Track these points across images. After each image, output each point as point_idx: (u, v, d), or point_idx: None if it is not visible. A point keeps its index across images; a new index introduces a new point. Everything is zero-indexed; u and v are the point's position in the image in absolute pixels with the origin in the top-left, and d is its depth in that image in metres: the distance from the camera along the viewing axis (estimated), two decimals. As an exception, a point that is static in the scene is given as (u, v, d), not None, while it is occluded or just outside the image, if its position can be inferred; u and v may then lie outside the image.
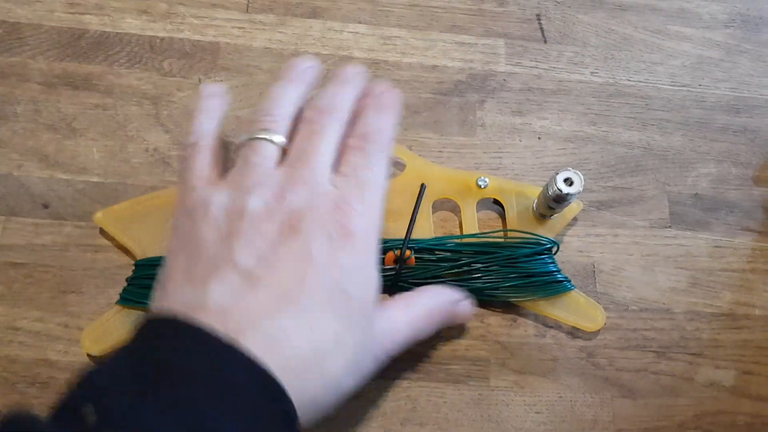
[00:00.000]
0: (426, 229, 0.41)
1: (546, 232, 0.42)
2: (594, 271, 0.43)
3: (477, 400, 0.39)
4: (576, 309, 0.40)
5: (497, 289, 0.40)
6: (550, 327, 0.41)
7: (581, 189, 0.39)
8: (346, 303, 0.29)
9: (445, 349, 0.40)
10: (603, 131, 0.47)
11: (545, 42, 0.50)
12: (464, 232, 0.42)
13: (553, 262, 0.41)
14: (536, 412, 0.39)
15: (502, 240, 0.41)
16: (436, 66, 0.48)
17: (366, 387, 0.38)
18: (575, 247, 0.43)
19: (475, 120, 0.46)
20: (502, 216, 0.43)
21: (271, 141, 0.33)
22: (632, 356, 0.41)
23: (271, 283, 0.28)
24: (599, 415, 0.40)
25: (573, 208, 0.43)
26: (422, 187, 0.41)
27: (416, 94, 0.46)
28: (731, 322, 0.43)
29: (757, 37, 0.52)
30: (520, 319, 0.41)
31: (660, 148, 0.47)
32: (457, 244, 0.41)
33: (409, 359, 0.39)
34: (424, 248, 0.40)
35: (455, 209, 0.43)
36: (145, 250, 0.39)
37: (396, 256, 0.39)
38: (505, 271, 0.40)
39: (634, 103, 0.48)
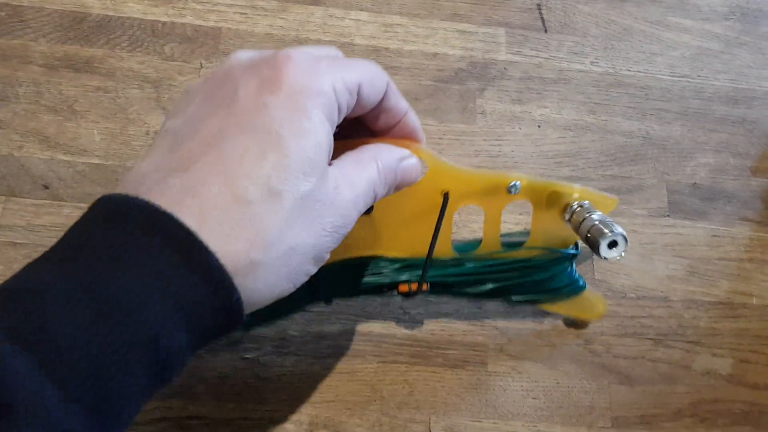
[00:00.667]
0: (445, 246, 0.37)
1: (572, 234, 0.38)
2: (593, 259, 0.43)
3: (474, 385, 0.39)
4: (580, 301, 0.40)
5: (510, 292, 0.39)
6: (548, 313, 0.41)
7: (624, 254, 0.35)
8: (277, 147, 0.25)
9: (442, 334, 0.40)
10: (602, 120, 0.47)
11: (546, 31, 0.50)
12: (486, 241, 0.38)
13: (573, 270, 0.40)
14: (533, 398, 0.39)
15: (523, 255, 0.39)
16: (437, 54, 0.48)
17: (362, 369, 0.38)
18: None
19: (475, 108, 0.46)
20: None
21: None
22: (630, 343, 0.41)
23: (192, 138, 0.26)
24: (596, 401, 0.40)
25: (608, 205, 0.38)
26: (445, 197, 0.35)
27: (417, 82, 0.47)
28: (729, 310, 0.43)
29: (756, 30, 0.52)
30: (518, 305, 0.41)
31: (659, 138, 0.47)
32: (476, 267, 0.38)
33: (407, 343, 0.39)
34: (440, 282, 0.38)
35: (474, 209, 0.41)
36: None
37: (410, 290, 0.37)
38: (522, 273, 0.39)
39: (634, 93, 0.48)
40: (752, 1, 0.53)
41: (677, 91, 0.49)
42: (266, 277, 0.25)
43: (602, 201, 0.37)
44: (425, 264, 0.36)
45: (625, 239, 0.34)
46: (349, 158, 0.29)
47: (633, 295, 0.42)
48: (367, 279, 0.38)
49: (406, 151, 0.31)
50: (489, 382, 0.39)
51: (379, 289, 0.38)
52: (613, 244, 0.34)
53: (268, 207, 0.25)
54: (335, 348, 0.39)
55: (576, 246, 0.39)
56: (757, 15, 0.52)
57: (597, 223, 0.34)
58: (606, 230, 0.34)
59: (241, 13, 0.47)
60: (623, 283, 0.43)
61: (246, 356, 0.38)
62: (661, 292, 0.43)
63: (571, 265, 0.40)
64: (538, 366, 0.40)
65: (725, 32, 0.52)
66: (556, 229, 0.38)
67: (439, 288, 0.39)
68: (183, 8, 0.47)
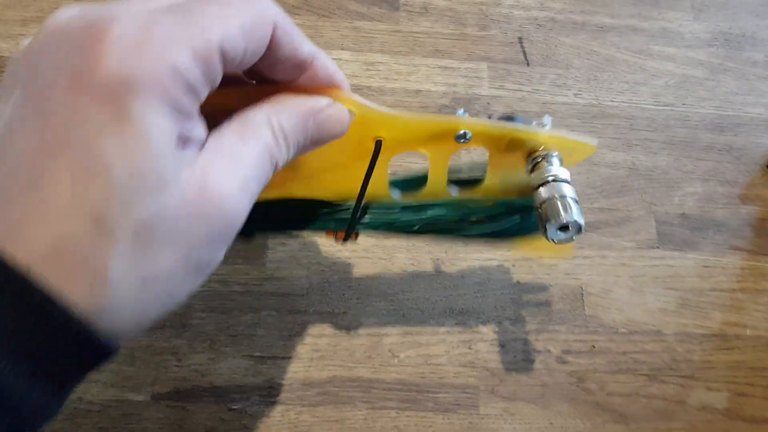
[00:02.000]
0: (381, 188, 0.33)
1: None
2: (582, 294, 0.42)
3: (467, 429, 0.39)
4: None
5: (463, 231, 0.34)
6: (539, 352, 0.41)
7: (575, 237, 0.30)
8: (98, 168, 0.20)
9: (433, 377, 0.39)
10: (588, 153, 0.47)
11: (528, 65, 0.50)
12: (431, 187, 0.34)
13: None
14: (527, 439, 0.39)
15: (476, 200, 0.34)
16: (420, 90, 0.48)
17: (352, 416, 0.38)
18: (562, 269, 0.43)
19: (460, 144, 0.46)
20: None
21: None
22: (623, 380, 0.41)
23: (3, 161, 0.20)
24: (591, 440, 0.39)
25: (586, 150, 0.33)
26: (377, 144, 0.30)
27: (400, 120, 0.46)
28: (722, 342, 0.42)
29: (740, 56, 0.52)
30: (509, 345, 0.41)
31: (645, 168, 0.47)
32: (416, 219, 0.34)
33: (396, 388, 0.39)
34: (377, 225, 0.34)
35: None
36: None
37: (335, 237, 0.34)
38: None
39: (619, 124, 0.48)
40: (735, 26, 0.53)
41: (662, 120, 0.49)
42: (125, 312, 0.21)
43: (577, 149, 0.32)
44: (353, 214, 0.32)
45: (580, 229, 0.29)
46: (231, 128, 0.23)
47: (625, 330, 0.42)
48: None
49: (322, 100, 0.25)
50: (481, 425, 0.39)
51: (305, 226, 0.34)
52: (564, 228, 0.29)
53: (99, 242, 0.20)
54: (323, 395, 0.38)
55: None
56: (741, 41, 0.52)
57: (555, 198, 0.29)
58: (561, 211, 0.29)
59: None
60: (614, 318, 0.42)
61: (233, 407, 0.38)
62: (653, 326, 0.42)
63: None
64: (531, 406, 0.39)
65: (709, 59, 0.51)
66: (517, 176, 0.32)
67: (383, 229, 0.34)
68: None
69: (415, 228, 0.34)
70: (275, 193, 0.32)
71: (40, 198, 0.20)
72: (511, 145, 0.31)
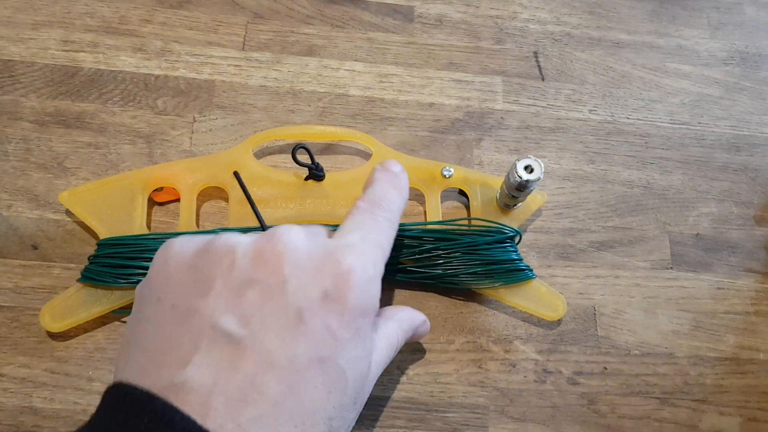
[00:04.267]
0: None
1: (510, 222, 0.42)
2: (595, 314, 0.42)
3: (475, 449, 0.38)
4: (537, 298, 0.40)
5: (458, 276, 0.40)
6: (551, 372, 0.40)
7: (541, 176, 0.39)
8: (340, 383, 0.26)
9: (442, 396, 0.39)
10: (602, 170, 0.46)
11: (543, 79, 0.49)
12: (428, 221, 0.42)
13: (515, 251, 0.41)
14: (536, 462, 0.38)
15: (465, 227, 0.41)
16: (433, 104, 0.47)
17: (360, 436, 0.37)
18: (575, 288, 0.42)
19: (473, 158, 0.46)
20: (467, 206, 0.44)
21: None
22: (635, 403, 0.40)
23: (253, 353, 0.25)
24: (601, 464, 0.38)
25: (537, 200, 0.43)
26: None
27: (413, 132, 0.46)
28: (736, 366, 0.42)
29: (756, 75, 0.51)
30: (520, 365, 0.40)
31: (660, 187, 0.46)
32: (420, 231, 0.40)
33: (404, 406, 0.38)
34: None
35: (420, 198, 0.43)
36: (110, 229, 0.39)
37: None
38: (467, 258, 0.40)
39: (633, 141, 0.48)
40: (751, 45, 0.53)
41: (677, 138, 0.48)
42: None
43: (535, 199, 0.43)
44: None
45: (539, 164, 0.39)
46: (382, 334, 0.32)
47: (637, 352, 0.41)
48: None
49: (422, 317, 0.36)
50: (490, 446, 0.38)
51: None
52: (528, 169, 0.39)
53: None
54: (331, 412, 0.38)
55: (516, 230, 0.41)
56: (757, 60, 0.52)
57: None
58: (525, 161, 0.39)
59: (235, 66, 0.46)
60: (627, 340, 0.41)
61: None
62: (666, 348, 0.42)
63: (515, 248, 0.41)
64: (541, 428, 0.39)
65: (725, 77, 0.51)
66: (493, 218, 0.42)
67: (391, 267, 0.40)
68: (176, 61, 0.46)
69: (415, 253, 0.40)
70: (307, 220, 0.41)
71: (293, 401, 0.25)
72: (484, 189, 0.43)
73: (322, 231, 0.30)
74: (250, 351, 0.25)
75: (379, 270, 0.29)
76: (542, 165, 0.39)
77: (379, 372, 0.31)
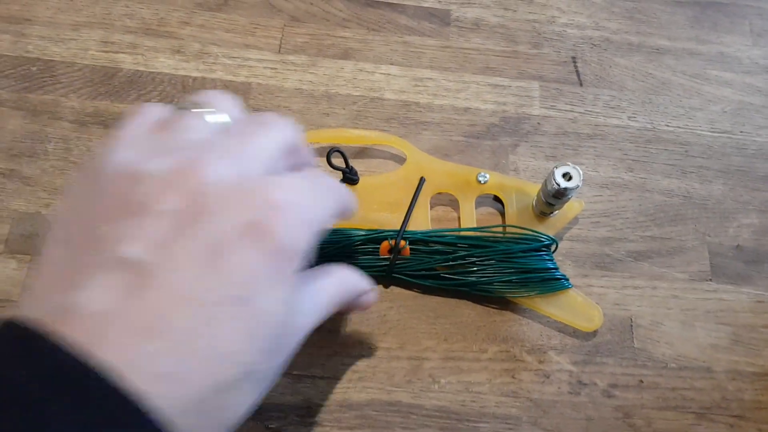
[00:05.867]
0: (423, 222, 0.42)
1: (546, 229, 0.41)
2: (631, 326, 0.41)
3: (507, 460, 0.37)
4: (573, 308, 0.40)
5: (492, 283, 0.39)
6: (585, 384, 0.39)
7: (580, 184, 0.38)
8: (263, 327, 0.23)
9: (473, 405, 0.38)
10: (641, 178, 0.46)
11: (581, 85, 0.48)
12: (462, 227, 0.42)
13: (551, 260, 0.40)
14: (569, 474, 0.38)
15: (500, 235, 0.41)
16: (469, 108, 0.47)
17: (392, 444, 0.37)
18: (612, 299, 0.42)
19: (508, 164, 0.45)
20: (502, 213, 0.43)
21: (212, 115, 0.27)
22: (671, 417, 0.39)
23: (162, 286, 0.22)
24: (635, 478, 0.38)
25: (574, 207, 0.43)
26: (421, 180, 0.42)
27: (447, 137, 0.46)
28: (776, 382, 0.41)
29: (801, 83, 0.50)
30: (554, 375, 0.39)
31: (700, 197, 0.45)
32: (453, 237, 0.40)
33: (436, 414, 0.38)
34: (419, 239, 0.40)
35: (454, 204, 0.43)
36: None
37: (391, 245, 0.40)
38: (502, 265, 0.39)
39: (673, 150, 0.47)
40: (796, 52, 0.51)
41: (718, 147, 0.47)
42: None
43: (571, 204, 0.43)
44: (402, 224, 0.40)
45: (578, 171, 0.39)
46: (313, 287, 0.28)
47: (674, 365, 0.40)
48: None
49: (367, 284, 0.32)
50: (522, 457, 0.38)
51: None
52: (567, 177, 0.38)
53: (240, 393, 0.23)
54: (362, 418, 0.38)
55: (552, 238, 0.41)
56: (802, 67, 0.51)
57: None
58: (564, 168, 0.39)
59: (271, 68, 0.46)
60: (664, 352, 0.41)
61: (270, 426, 0.37)
62: (704, 362, 0.41)
63: (550, 257, 0.40)
64: (574, 440, 0.38)
65: (767, 86, 0.50)
66: (528, 226, 0.41)
67: (419, 254, 0.40)
68: (214, 63, 0.46)
69: (450, 260, 0.40)
70: (341, 224, 0.41)
71: (206, 341, 0.22)
72: (519, 196, 0.43)
73: (259, 165, 0.26)
74: (159, 282, 0.21)
75: (316, 223, 0.26)
76: (581, 172, 0.38)
77: (307, 328, 0.27)
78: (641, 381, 0.40)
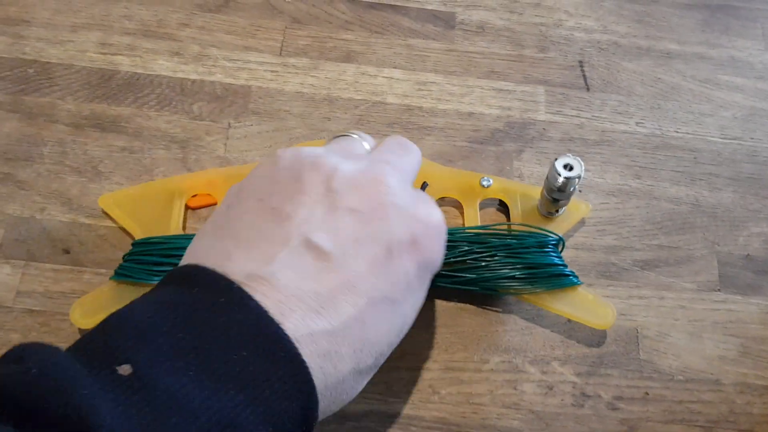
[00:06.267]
0: None
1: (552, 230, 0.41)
2: (637, 337, 0.40)
3: (508, 474, 0.37)
4: (584, 305, 0.39)
5: (498, 279, 0.38)
6: (589, 396, 0.38)
7: (581, 173, 0.38)
8: (401, 325, 0.29)
9: (474, 417, 0.38)
10: (648, 185, 0.45)
11: (588, 90, 0.48)
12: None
13: (558, 256, 0.39)
14: (572, 490, 0.37)
15: (506, 232, 0.41)
16: (473, 113, 0.46)
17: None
18: (618, 309, 0.40)
19: (512, 170, 0.44)
20: (507, 216, 0.43)
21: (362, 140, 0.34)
22: (677, 431, 0.38)
23: (341, 274, 0.26)
24: (641, 494, 0.37)
25: (580, 209, 0.42)
26: (424, 184, 0.41)
27: (451, 142, 0.45)
28: (786, 396, 0.40)
29: (813, 89, 0.49)
30: (557, 387, 0.38)
31: (709, 205, 0.44)
32: (458, 236, 0.39)
33: (436, 426, 0.37)
34: None
35: (459, 208, 0.43)
36: (147, 233, 0.39)
37: None
38: (507, 261, 0.38)
39: (682, 156, 0.46)
40: (808, 57, 0.50)
41: (728, 154, 0.46)
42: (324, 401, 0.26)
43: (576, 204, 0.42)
44: None
45: (579, 162, 0.38)
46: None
47: (681, 378, 0.39)
48: None
49: None
50: (524, 471, 0.37)
51: None
52: (568, 167, 0.38)
53: (365, 379, 0.28)
54: (359, 430, 0.37)
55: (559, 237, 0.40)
56: (814, 72, 0.50)
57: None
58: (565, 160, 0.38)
59: (271, 71, 0.46)
60: (670, 364, 0.40)
61: (265, 437, 0.36)
62: (711, 374, 0.40)
63: (558, 254, 0.40)
64: (578, 455, 0.37)
65: (779, 91, 0.49)
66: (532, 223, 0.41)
67: None
68: (213, 66, 0.46)
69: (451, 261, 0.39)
70: None
71: (363, 329, 0.26)
72: (524, 199, 0.42)
73: (408, 179, 0.32)
74: (337, 269, 0.26)
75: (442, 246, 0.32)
76: (582, 163, 0.38)
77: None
78: (647, 393, 0.39)
